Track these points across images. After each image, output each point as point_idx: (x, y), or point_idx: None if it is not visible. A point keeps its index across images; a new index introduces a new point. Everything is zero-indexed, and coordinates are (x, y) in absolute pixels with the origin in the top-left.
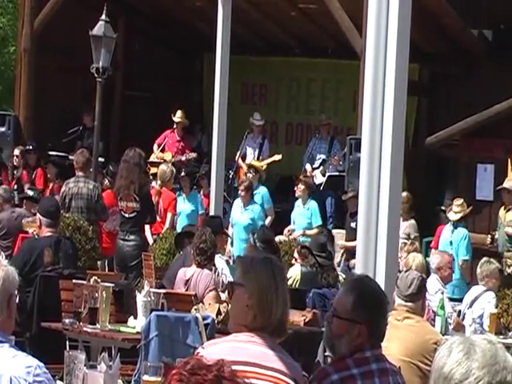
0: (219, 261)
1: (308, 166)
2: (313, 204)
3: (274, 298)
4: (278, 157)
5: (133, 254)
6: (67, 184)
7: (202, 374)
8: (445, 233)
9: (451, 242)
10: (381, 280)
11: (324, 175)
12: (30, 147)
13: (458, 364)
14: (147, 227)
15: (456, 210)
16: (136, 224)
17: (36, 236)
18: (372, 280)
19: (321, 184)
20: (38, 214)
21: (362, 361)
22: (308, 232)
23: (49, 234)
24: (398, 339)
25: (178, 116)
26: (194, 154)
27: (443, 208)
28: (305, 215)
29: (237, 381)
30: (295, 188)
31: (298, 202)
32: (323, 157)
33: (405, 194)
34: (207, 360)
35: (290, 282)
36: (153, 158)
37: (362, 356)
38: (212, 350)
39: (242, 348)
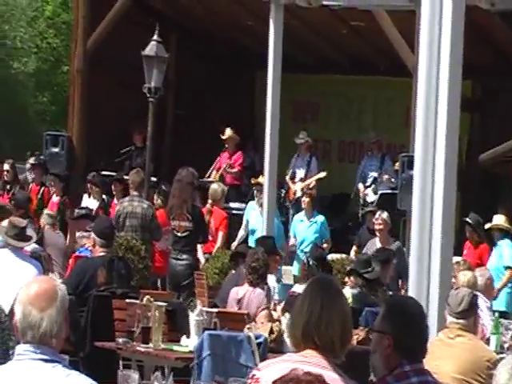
0: (270, 279)
1: (360, 185)
2: (320, 217)
3: (329, 315)
4: (322, 174)
5: (185, 273)
6: (122, 203)
7: None
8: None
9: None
10: (434, 299)
11: (376, 193)
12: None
13: None
14: (199, 246)
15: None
16: (188, 243)
17: (89, 255)
18: (409, 297)
19: (373, 202)
20: (92, 234)
21: (401, 375)
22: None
23: (102, 253)
24: (451, 357)
25: (227, 133)
26: (226, 164)
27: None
28: (312, 229)
29: None
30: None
31: (301, 216)
32: (375, 175)
33: (385, 215)
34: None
35: None
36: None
37: (400, 371)
38: (268, 372)
39: (299, 369)
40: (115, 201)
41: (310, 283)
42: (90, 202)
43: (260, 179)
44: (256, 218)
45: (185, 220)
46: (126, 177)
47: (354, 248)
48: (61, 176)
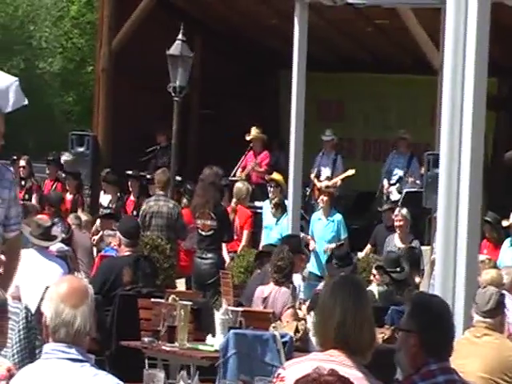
0: (296, 278)
1: (385, 182)
2: (338, 216)
3: (353, 314)
4: (351, 171)
5: (210, 272)
6: (148, 202)
7: None
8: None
9: None
10: (460, 297)
11: (400, 193)
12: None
13: None
14: (224, 245)
15: None
16: (213, 242)
17: (115, 255)
18: (435, 295)
19: (397, 201)
20: (117, 233)
21: (427, 374)
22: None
23: (128, 253)
24: (477, 356)
25: (252, 133)
26: (253, 164)
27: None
28: (329, 228)
29: None
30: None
31: (318, 215)
32: (400, 173)
33: (405, 211)
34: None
35: None
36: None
37: (426, 370)
38: (293, 371)
39: (323, 368)
40: (131, 197)
41: (339, 283)
42: (104, 199)
43: (275, 176)
44: (268, 215)
45: (209, 219)
46: (143, 174)
47: (369, 246)
48: (74, 174)
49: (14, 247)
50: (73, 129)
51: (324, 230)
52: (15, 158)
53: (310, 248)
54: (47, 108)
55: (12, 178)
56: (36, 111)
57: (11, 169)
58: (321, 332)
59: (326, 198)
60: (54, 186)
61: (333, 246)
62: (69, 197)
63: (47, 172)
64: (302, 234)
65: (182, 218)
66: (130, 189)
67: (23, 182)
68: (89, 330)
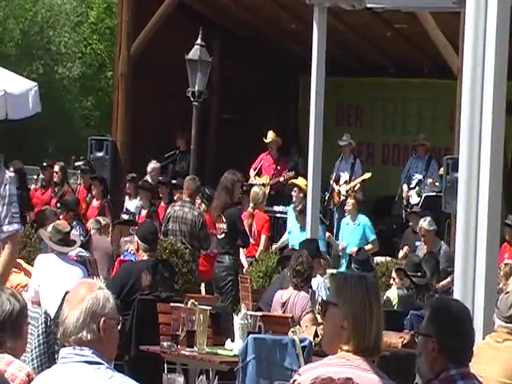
0: (314, 281)
1: (405, 186)
2: (364, 218)
3: (368, 319)
4: (367, 175)
5: (221, 275)
6: (173, 206)
7: None
8: None
9: None
10: (480, 302)
11: (419, 196)
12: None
13: None
14: (241, 251)
15: None
16: (225, 245)
17: (133, 259)
18: (454, 300)
19: (417, 204)
20: (135, 237)
21: (447, 379)
22: (367, 247)
23: (146, 257)
24: (498, 361)
25: (269, 137)
26: (291, 173)
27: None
28: (356, 232)
29: None
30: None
31: (346, 220)
32: (420, 177)
33: (426, 222)
34: None
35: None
36: (250, 181)
37: (446, 375)
38: (309, 376)
39: (339, 372)
40: (162, 203)
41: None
42: (131, 204)
43: (299, 182)
44: (291, 220)
45: (221, 222)
46: (161, 179)
47: (406, 249)
48: (100, 179)
49: (5, 248)
50: (92, 134)
51: (351, 234)
52: (45, 164)
53: (340, 247)
54: (66, 113)
55: (3, 178)
56: (55, 116)
57: (4, 169)
58: (350, 338)
59: (352, 202)
60: (89, 195)
61: (355, 249)
62: (95, 203)
63: (78, 181)
64: (332, 240)
65: (206, 227)
66: (161, 195)
67: (56, 189)
68: (78, 331)
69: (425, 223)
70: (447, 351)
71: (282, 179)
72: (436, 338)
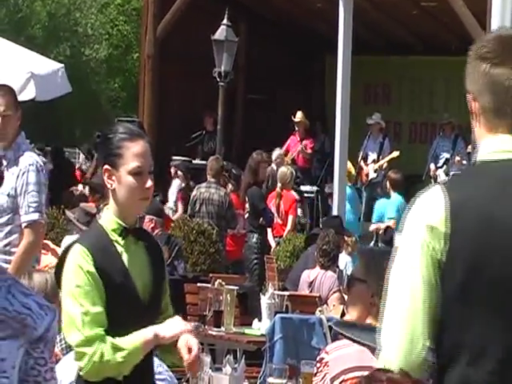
0: (342, 257)
1: (432, 166)
2: (398, 197)
3: None
4: (395, 153)
5: (247, 254)
6: (198, 188)
7: None
8: None
9: None
10: None
11: (447, 175)
12: None
13: None
14: (269, 231)
15: None
16: (249, 225)
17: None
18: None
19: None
20: (149, 216)
21: None
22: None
23: (160, 232)
24: None
25: (298, 116)
26: (308, 151)
27: None
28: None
29: None
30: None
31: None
32: (447, 156)
33: None
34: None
35: None
36: None
37: None
38: (338, 356)
39: (365, 352)
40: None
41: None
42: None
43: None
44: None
45: (246, 202)
46: (189, 159)
47: None
48: None
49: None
50: (119, 115)
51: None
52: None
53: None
54: (93, 95)
55: (25, 164)
56: (82, 98)
57: (30, 153)
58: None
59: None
60: None
61: (380, 226)
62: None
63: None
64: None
65: (232, 207)
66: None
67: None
68: None
69: None
70: None
71: (308, 151)
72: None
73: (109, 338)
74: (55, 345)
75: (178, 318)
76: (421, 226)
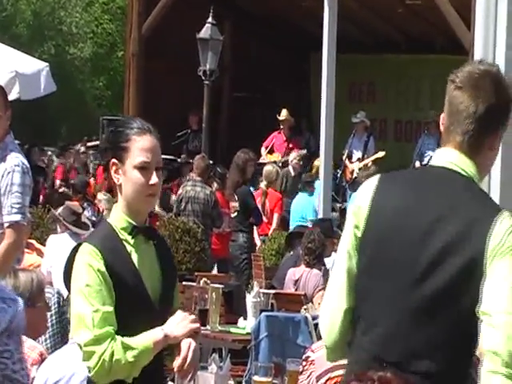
0: (328, 261)
1: (417, 164)
2: None
3: None
4: (381, 153)
5: (236, 254)
6: (184, 187)
7: None
8: None
9: None
10: None
11: None
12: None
13: None
14: (255, 229)
15: None
16: (238, 224)
17: None
18: None
19: None
20: None
21: None
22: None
23: None
24: None
25: (282, 114)
26: (303, 151)
27: None
28: None
29: None
30: None
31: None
32: (432, 154)
33: None
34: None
35: None
36: (262, 160)
37: None
38: (323, 354)
39: None
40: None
41: None
42: None
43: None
44: None
45: (234, 201)
46: (174, 158)
47: None
48: None
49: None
50: (104, 114)
51: None
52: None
53: None
54: (79, 94)
55: (11, 164)
56: (67, 97)
57: (16, 154)
58: None
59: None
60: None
61: None
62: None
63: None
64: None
65: (218, 205)
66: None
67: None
68: None
69: None
70: None
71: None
72: None
73: (119, 337)
74: (22, 336)
75: (182, 314)
76: (352, 206)
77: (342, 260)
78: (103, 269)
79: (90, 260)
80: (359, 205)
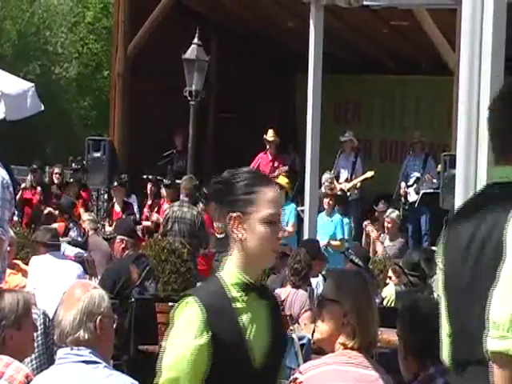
0: (314, 282)
1: (402, 184)
2: (337, 216)
3: (371, 313)
4: (370, 173)
5: None
6: (171, 207)
7: None
8: None
9: None
10: None
11: (418, 193)
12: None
13: None
14: None
15: None
16: (225, 245)
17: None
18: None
19: (415, 202)
20: (121, 236)
21: (426, 379)
22: (332, 243)
23: (131, 252)
24: None
25: (269, 135)
26: (285, 168)
27: None
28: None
29: None
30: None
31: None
32: (417, 174)
33: (395, 214)
34: None
35: (385, 302)
36: None
37: (426, 374)
38: (312, 375)
39: (342, 371)
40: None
41: (362, 285)
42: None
43: (280, 180)
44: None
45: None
46: (160, 178)
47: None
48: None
49: None
50: (90, 134)
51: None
52: (35, 166)
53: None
54: (64, 113)
55: None
56: (53, 117)
57: None
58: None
59: (327, 200)
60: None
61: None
62: (118, 209)
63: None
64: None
65: (204, 227)
66: (149, 192)
67: (59, 190)
68: (75, 331)
69: (393, 214)
70: (415, 350)
71: (275, 174)
72: (402, 337)
73: None
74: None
75: None
76: None
77: None
78: (204, 338)
79: (193, 320)
80: None
